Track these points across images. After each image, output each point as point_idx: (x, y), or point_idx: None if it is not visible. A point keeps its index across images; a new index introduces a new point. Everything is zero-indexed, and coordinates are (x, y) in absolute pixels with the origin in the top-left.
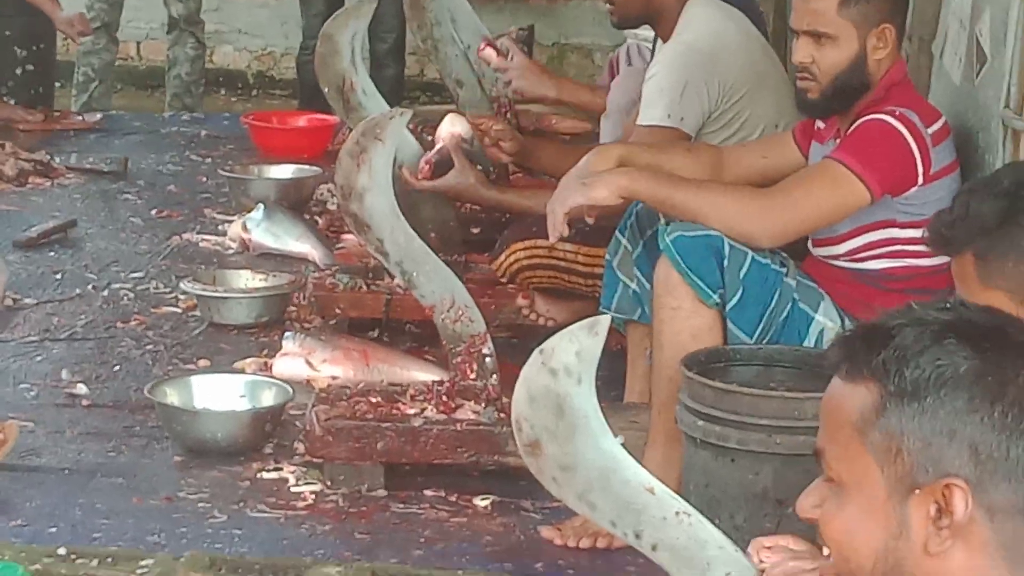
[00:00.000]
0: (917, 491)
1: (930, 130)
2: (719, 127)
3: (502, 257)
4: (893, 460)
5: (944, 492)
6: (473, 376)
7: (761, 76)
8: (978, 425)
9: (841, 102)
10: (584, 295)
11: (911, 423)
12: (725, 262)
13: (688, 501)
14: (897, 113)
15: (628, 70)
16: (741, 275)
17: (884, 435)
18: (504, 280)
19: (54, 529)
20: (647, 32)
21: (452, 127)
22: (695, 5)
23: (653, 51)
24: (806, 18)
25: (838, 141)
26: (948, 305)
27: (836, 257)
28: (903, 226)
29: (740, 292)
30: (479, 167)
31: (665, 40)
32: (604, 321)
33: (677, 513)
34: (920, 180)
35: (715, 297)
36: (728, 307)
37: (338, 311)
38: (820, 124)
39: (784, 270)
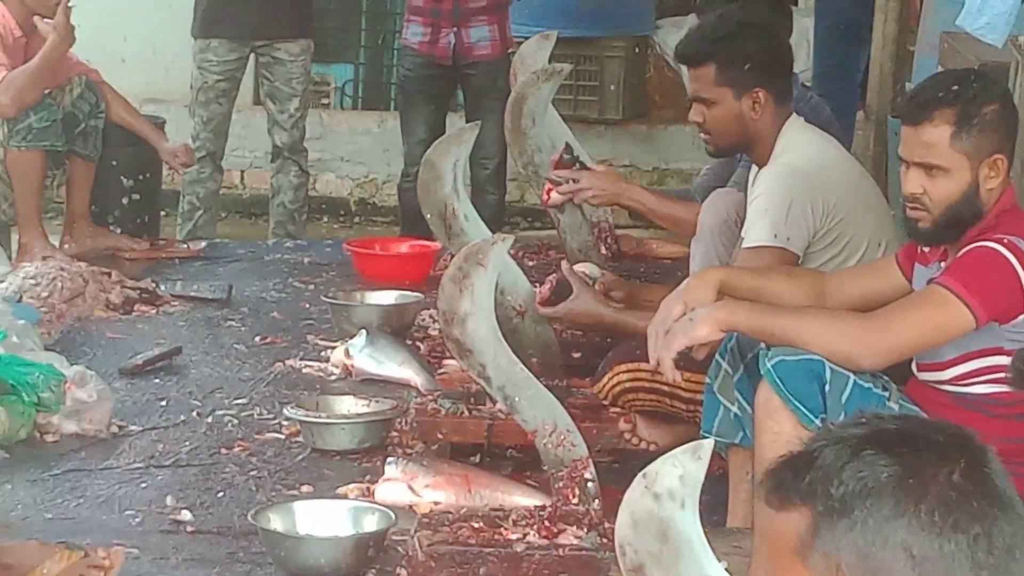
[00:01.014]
0: None
1: None
2: (824, 246)
3: (605, 379)
4: None
5: None
6: (575, 501)
7: (862, 196)
8: (907, 528)
9: (953, 232)
10: (686, 419)
11: (845, 538)
12: (826, 386)
13: None
14: (1006, 241)
15: (719, 192)
16: (843, 399)
17: (823, 555)
18: (606, 402)
19: None
20: None
21: (580, 267)
22: (791, 130)
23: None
24: (918, 150)
25: (943, 265)
26: (864, 419)
27: (941, 382)
28: (1010, 354)
29: (843, 416)
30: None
31: (761, 166)
32: (707, 445)
33: None
34: None
35: (817, 422)
36: None
37: (440, 436)
38: (925, 248)
39: (886, 394)
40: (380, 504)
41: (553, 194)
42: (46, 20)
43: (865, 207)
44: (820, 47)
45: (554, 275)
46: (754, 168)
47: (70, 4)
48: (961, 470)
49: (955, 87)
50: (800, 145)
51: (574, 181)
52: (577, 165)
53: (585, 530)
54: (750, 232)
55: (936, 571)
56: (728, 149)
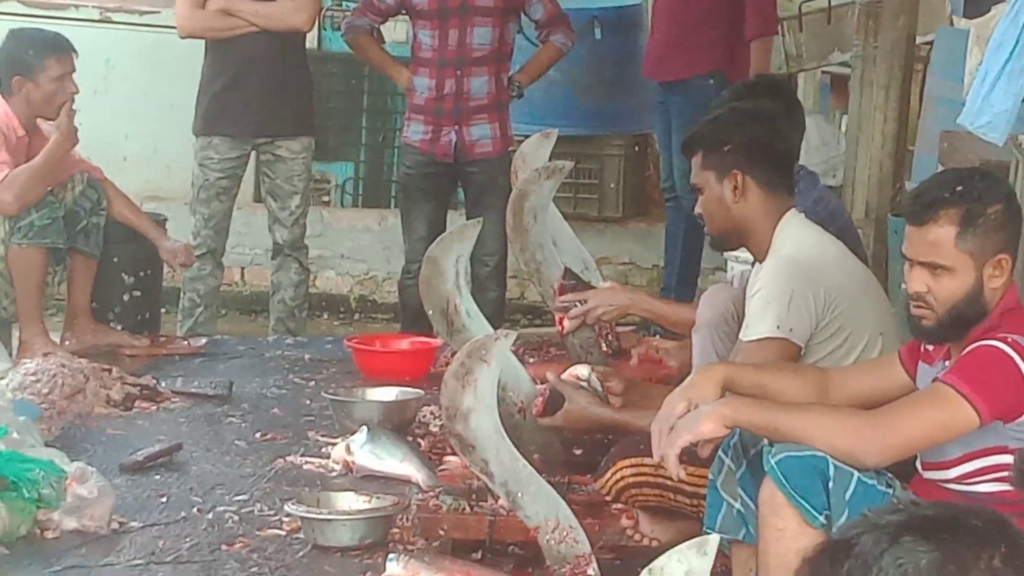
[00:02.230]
0: None
1: None
2: (826, 338)
3: (608, 474)
4: None
5: None
6: None
7: (862, 288)
8: None
9: (957, 331)
10: (689, 515)
11: None
12: (830, 483)
13: None
14: (1010, 340)
15: (718, 286)
16: (847, 496)
17: None
18: (609, 498)
19: None
20: (747, 255)
21: (571, 372)
22: (789, 224)
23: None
24: (922, 249)
25: (947, 363)
26: (901, 506)
27: (946, 481)
28: (1014, 452)
29: (846, 514)
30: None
31: (760, 260)
32: (713, 541)
33: None
34: None
35: (821, 519)
36: (834, 529)
37: (442, 532)
38: (928, 346)
39: (891, 491)
40: None
41: (566, 322)
42: (49, 121)
43: (866, 299)
44: (679, 134)
45: (544, 386)
46: (756, 265)
47: (74, 107)
48: (1001, 555)
49: (959, 187)
50: (797, 238)
51: (582, 303)
52: (578, 284)
53: None
54: (752, 325)
55: None
56: (723, 239)
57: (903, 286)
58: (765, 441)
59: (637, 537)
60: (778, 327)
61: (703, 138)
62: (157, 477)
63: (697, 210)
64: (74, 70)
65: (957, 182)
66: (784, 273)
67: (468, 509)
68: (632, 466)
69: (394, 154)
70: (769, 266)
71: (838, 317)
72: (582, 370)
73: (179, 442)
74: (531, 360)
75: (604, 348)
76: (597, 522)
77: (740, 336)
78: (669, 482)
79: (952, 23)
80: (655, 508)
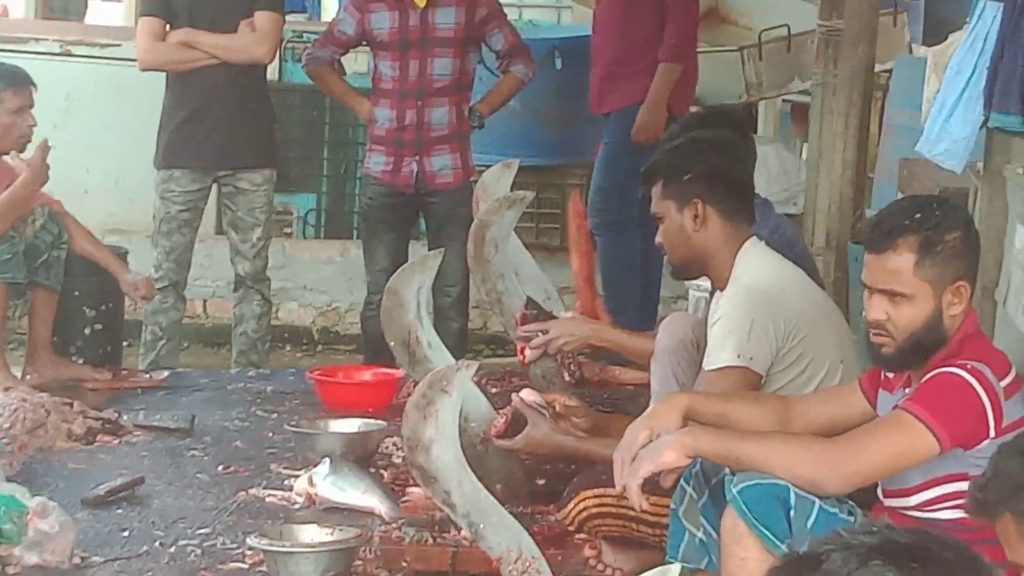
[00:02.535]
0: None
1: (1002, 383)
2: (787, 365)
3: (571, 505)
4: None
5: None
6: None
7: (822, 315)
8: None
9: (916, 357)
10: (652, 544)
11: None
12: (792, 512)
13: None
14: (969, 367)
15: (676, 314)
16: (808, 525)
17: None
18: (572, 528)
19: None
20: (708, 283)
21: (527, 398)
22: (749, 253)
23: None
24: (882, 277)
25: (907, 391)
26: (875, 528)
27: (907, 508)
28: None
29: (808, 542)
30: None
31: (721, 288)
32: (675, 570)
33: None
34: (992, 433)
35: (783, 547)
36: None
37: (405, 564)
38: (888, 373)
39: (852, 519)
40: None
41: (527, 352)
42: (20, 157)
43: (826, 326)
44: (603, 162)
45: (508, 408)
46: (717, 293)
47: (49, 144)
48: None
49: (918, 215)
50: (757, 267)
51: (543, 333)
52: (541, 315)
53: None
54: (713, 354)
55: None
56: (683, 268)
57: (863, 314)
58: (727, 470)
59: (600, 567)
60: (739, 356)
61: (663, 167)
62: (119, 511)
63: (658, 239)
64: (32, 104)
65: (915, 210)
66: (744, 302)
67: (431, 540)
68: (595, 496)
69: (356, 185)
70: (729, 295)
71: (798, 345)
72: (534, 396)
73: (141, 476)
74: (494, 391)
75: (567, 377)
76: (560, 552)
77: (703, 365)
78: (631, 512)
79: (911, 51)
80: (618, 538)
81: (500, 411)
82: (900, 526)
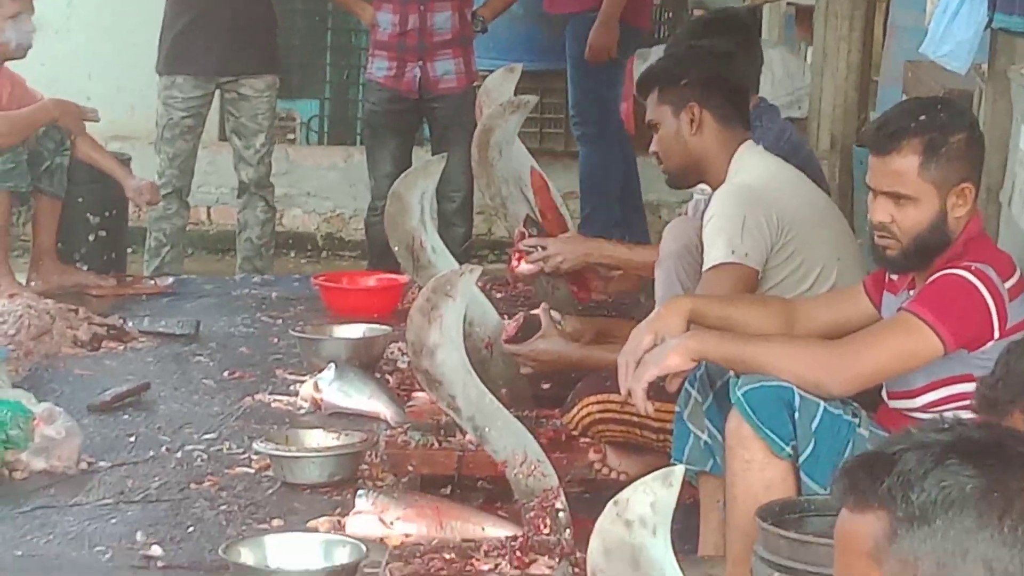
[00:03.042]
0: None
1: (1007, 284)
2: (781, 261)
3: (575, 411)
4: None
5: None
6: (547, 531)
7: (819, 215)
8: (989, 542)
9: (921, 260)
10: (656, 449)
11: (924, 546)
12: (796, 414)
13: None
14: (973, 268)
15: (680, 218)
16: (813, 427)
17: (899, 561)
18: (576, 433)
19: None
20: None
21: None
22: (744, 155)
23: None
24: (886, 179)
25: (912, 293)
26: (947, 426)
27: (912, 410)
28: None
29: (812, 444)
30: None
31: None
32: (678, 472)
33: None
34: (996, 335)
35: (787, 449)
36: (801, 459)
37: (410, 468)
38: (893, 275)
39: (856, 420)
40: (351, 537)
41: (523, 263)
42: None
43: (822, 226)
44: (571, 77)
45: (522, 313)
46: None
47: (97, 118)
48: None
49: (922, 116)
50: (750, 166)
51: (542, 249)
52: (540, 235)
53: (557, 560)
54: (708, 253)
55: None
56: (680, 175)
57: (868, 216)
58: (731, 373)
59: (605, 471)
60: (732, 252)
61: (659, 74)
62: (125, 417)
63: (653, 148)
64: (32, 9)
65: (920, 112)
66: (735, 199)
67: (436, 445)
68: (599, 402)
69: (359, 91)
70: (721, 193)
71: (791, 241)
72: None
73: (147, 382)
74: (498, 295)
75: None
76: (565, 456)
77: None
78: (635, 418)
79: None
80: (622, 443)
81: (511, 316)
82: (971, 422)
